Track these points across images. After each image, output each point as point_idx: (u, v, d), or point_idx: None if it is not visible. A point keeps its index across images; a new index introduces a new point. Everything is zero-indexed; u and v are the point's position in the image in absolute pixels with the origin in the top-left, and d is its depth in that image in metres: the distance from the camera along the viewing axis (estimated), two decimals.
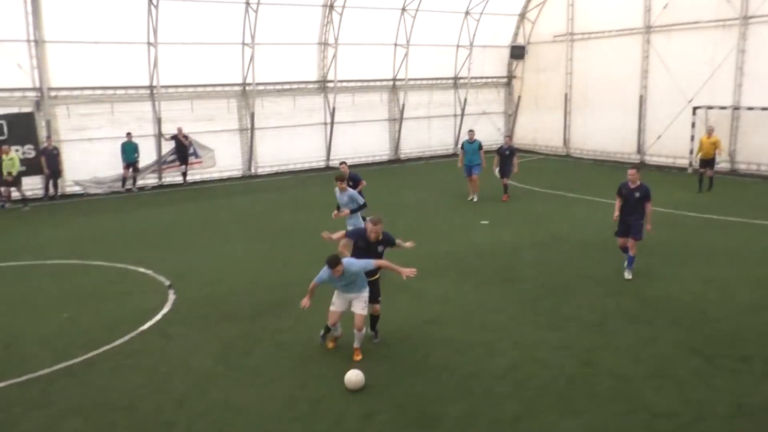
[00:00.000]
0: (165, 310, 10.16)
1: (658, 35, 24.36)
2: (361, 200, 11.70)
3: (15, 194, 19.49)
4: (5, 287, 11.60)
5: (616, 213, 11.20)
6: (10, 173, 18.94)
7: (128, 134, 21.49)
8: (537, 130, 29.88)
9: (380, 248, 8.44)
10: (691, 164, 22.40)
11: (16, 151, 19.93)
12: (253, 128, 24.22)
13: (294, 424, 6.70)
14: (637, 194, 10.92)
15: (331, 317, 8.27)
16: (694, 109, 22.58)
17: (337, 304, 8.25)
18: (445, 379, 7.64)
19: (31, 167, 20.32)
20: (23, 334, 9.28)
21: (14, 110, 20.01)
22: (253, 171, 24.73)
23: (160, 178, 22.98)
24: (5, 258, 13.47)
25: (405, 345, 8.64)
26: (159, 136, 22.52)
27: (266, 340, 8.92)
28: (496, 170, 18.62)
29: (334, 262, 7.74)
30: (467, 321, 9.48)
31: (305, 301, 8.08)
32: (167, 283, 11.51)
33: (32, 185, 20.53)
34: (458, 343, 8.67)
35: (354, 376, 7.40)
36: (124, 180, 21.85)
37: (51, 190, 20.62)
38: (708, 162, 19.20)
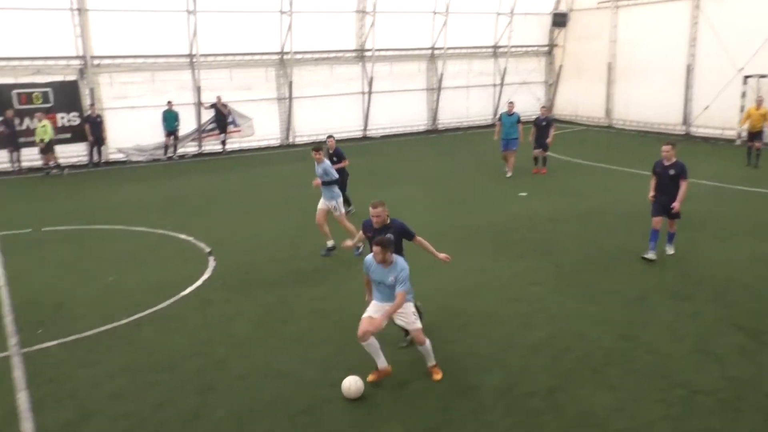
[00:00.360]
0: (205, 276, 10.38)
1: (708, 0, 23.39)
2: (335, 175, 11.44)
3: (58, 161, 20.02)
4: (55, 250, 11.99)
5: (651, 192, 10.65)
6: (42, 140, 19.40)
7: (169, 103, 21.77)
8: (578, 100, 29.21)
9: (388, 236, 7.27)
10: (739, 135, 21.65)
11: (62, 118, 20.50)
12: (291, 97, 24.26)
13: (331, 390, 6.80)
14: (672, 171, 10.39)
15: (361, 325, 6.82)
16: (745, 78, 21.73)
17: (371, 312, 6.98)
18: (481, 350, 7.66)
19: (75, 134, 20.85)
20: (72, 296, 9.62)
21: (59, 78, 20.45)
22: (291, 140, 24.85)
23: (199, 146, 23.30)
24: (55, 222, 13.90)
25: (441, 315, 8.66)
26: (198, 104, 22.77)
27: (304, 308, 9.06)
28: (532, 141, 18.05)
29: (385, 242, 6.61)
30: (504, 293, 9.44)
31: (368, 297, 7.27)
32: (207, 249, 11.74)
33: (77, 152, 21.09)
34: (494, 314, 8.66)
35: (352, 386, 6.63)
36: (165, 148, 22.21)
37: (95, 157, 21.11)
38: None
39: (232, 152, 23.34)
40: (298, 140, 24.95)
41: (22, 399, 6.69)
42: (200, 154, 23.03)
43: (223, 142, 23.38)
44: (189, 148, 23.08)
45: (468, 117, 28.83)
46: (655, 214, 10.63)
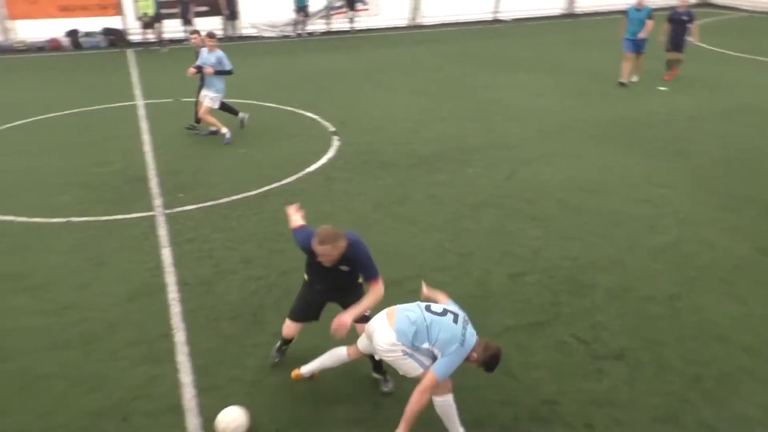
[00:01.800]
0: (329, 154, 10.70)
1: None
2: (228, 66, 11.11)
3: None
4: (191, 120, 12.75)
5: None
6: (145, 14, 19.86)
7: None
8: None
9: (344, 268, 4.88)
10: None
11: None
12: None
13: (443, 274, 6.97)
14: None
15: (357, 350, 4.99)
16: None
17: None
18: (600, 249, 7.45)
19: (213, 8, 21.44)
20: (208, 164, 10.32)
21: None
22: (417, 21, 24.12)
23: (328, 23, 23.23)
24: (192, 94, 14.63)
25: (561, 211, 8.46)
26: None
27: (420, 192, 9.16)
28: (664, 41, 15.14)
29: (496, 363, 4.51)
30: (630, 193, 9.00)
31: None
32: (332, 129, 12.01)
33: (212, 26, 21.75)
34: (618, 214, 8.32)
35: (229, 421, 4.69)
36: (295, 24, 22.37)
37: (229, 31, 21.71)
38: None
39: (359, 31, 23.11)
40: (426, 21, 24.18)
41: (166, 255, 7.44)
42: (328, 32, 23.02)
43: (351, 20, 23.14)
44: (317, 26, 23.11)
45: (609, 1, 26.35)
46: None
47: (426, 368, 4.42)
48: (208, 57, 11.08)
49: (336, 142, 11.26)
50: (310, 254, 4.87)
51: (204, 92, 11.29)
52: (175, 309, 6.38)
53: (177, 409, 5.02)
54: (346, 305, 4.94)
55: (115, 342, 5.87)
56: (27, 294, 6.66)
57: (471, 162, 10.22)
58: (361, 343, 4.90)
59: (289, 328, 5.35)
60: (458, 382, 4.65)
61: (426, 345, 4.41)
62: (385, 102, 13.96)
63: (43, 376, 5.42)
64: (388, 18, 23.70)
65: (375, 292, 4.80)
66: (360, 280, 5.04)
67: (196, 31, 11.40)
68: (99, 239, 7.86)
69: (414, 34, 22.88)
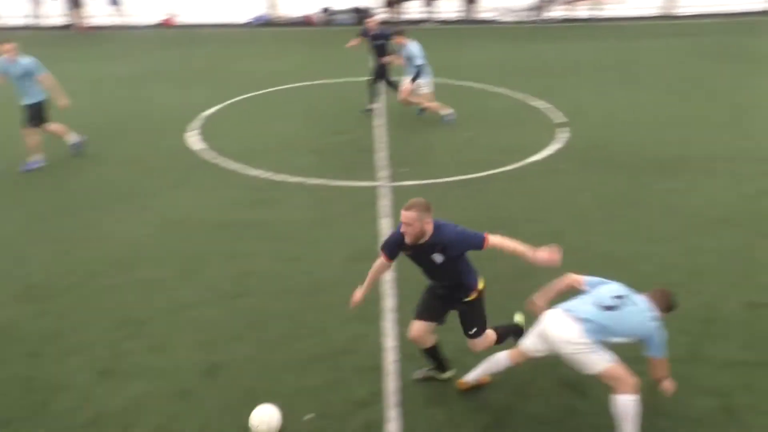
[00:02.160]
0: (556, 145, 10.36)
1: None
2: (418, 60, 11.25)
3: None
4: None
5: None
6: None
7: None
8: None
9: (437, 258, 4.70)
10: None
11: None
12: None
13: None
14: None
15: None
16: None
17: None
18: None
19: None
20: (433, 143, 10.65)
21: None
22: (672, 10, 22.16)
23: (570, 10, 22.40)
24: None
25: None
26: None
27: (653, 198, 8.47)
28: None
29: (673, 300, 4.68)
30: None
31: None
32: (562, 120, 11.60)
33: (451, 8, 22.22)
34: None
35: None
36: (536, 9, 21.94)
37: (467, 14, 22.00)
38: None
39: (603, 20, 21.92)
40: (681, 12, 22.15)
41: (385, 224, 7.82)
42: (569, 20, 22.17)
43: (595, 8, 22.06)
44: (559, 12, 22.40)
45: None
46: None
47: (608, 361, 4.33)
48: (400, 51, 11.73)
49: (564, 134, 10.86)
50: (400, 245, 4.76)
51: (418, 82, 11.64)
52: (387, 276, 6.68)
53: (378, 370, 5.30)
54: (463, 321, 5.05)
55: (333, 296, 6.33)
56: (266, 242, 7.49)
57: (716, 172, 9.19)
58: (530, 344, 4.69)
59: (413, 327, 5.04)
60: (673, 410, 4.26)
61: (616, 339, 4.39)
62: (623, 97, 13.11)
63: (271, 315, 6.07)
64: (637, 6, 22.12)
65: (502, 240, 4.74)
66: (471, 296, 4.91)
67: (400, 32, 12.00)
68: (329, 201, 8.54)
69: (666, 24, 21.06)
